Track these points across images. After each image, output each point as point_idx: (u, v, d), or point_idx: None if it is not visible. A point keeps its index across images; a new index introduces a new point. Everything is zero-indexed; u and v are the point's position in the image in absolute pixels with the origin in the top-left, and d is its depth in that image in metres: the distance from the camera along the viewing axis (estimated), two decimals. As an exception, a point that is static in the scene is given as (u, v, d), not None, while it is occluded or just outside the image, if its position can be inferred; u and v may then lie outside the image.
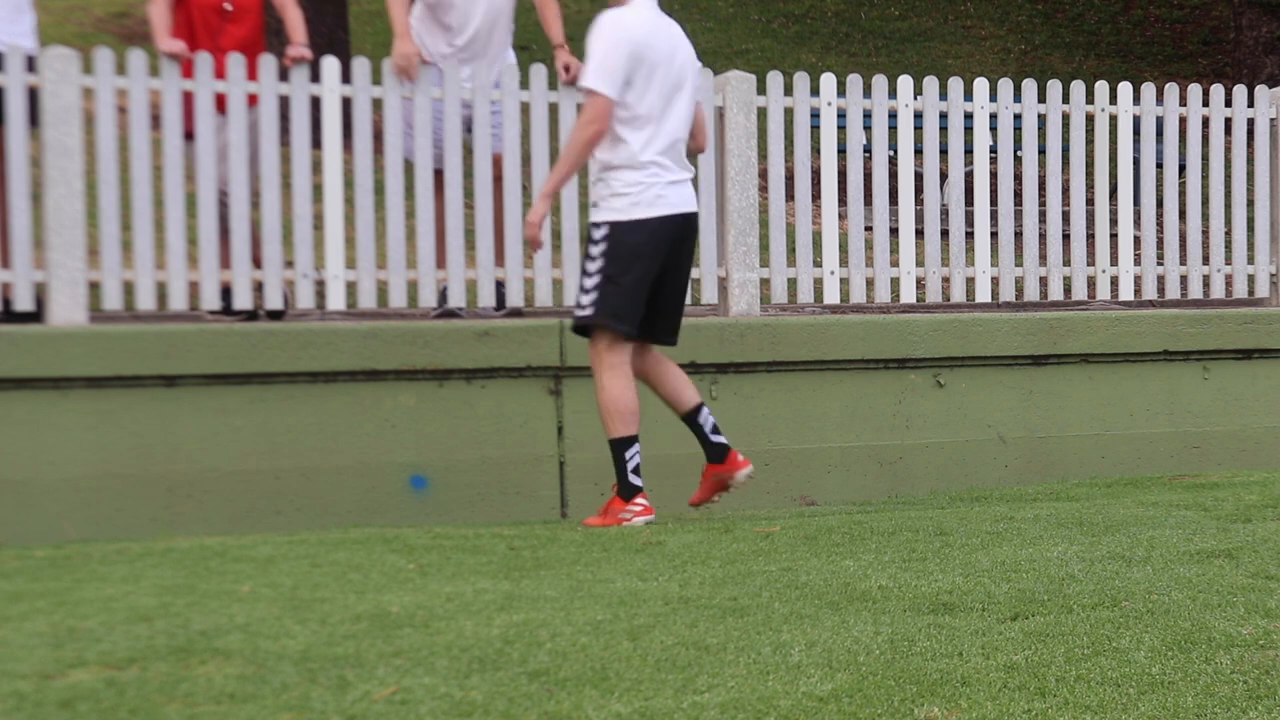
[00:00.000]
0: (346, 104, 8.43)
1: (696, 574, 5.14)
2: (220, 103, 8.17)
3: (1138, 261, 9.82)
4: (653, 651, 4.10)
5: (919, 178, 9.48)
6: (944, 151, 9.87)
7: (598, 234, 6.66)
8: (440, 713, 3.60)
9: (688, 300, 8.51)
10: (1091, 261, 9.82)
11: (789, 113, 9.05)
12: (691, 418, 6.81)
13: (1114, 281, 9.74)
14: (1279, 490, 6.97)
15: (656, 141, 6.70)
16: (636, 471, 6.68)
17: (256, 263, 8.16)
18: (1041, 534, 5.87)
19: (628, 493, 6.66)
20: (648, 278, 6.66)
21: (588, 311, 6.64)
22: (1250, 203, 10.02)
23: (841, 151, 9.78)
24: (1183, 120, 9.90)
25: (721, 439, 6.83)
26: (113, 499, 7.24)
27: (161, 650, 4.05)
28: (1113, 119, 9.78)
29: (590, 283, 6.66)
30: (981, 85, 9.46)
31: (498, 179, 8.53)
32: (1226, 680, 3.89)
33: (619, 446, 6.67)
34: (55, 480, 7.18)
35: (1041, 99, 9.75)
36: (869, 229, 9.34)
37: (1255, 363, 9.20)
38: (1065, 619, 4.45)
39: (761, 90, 8.84)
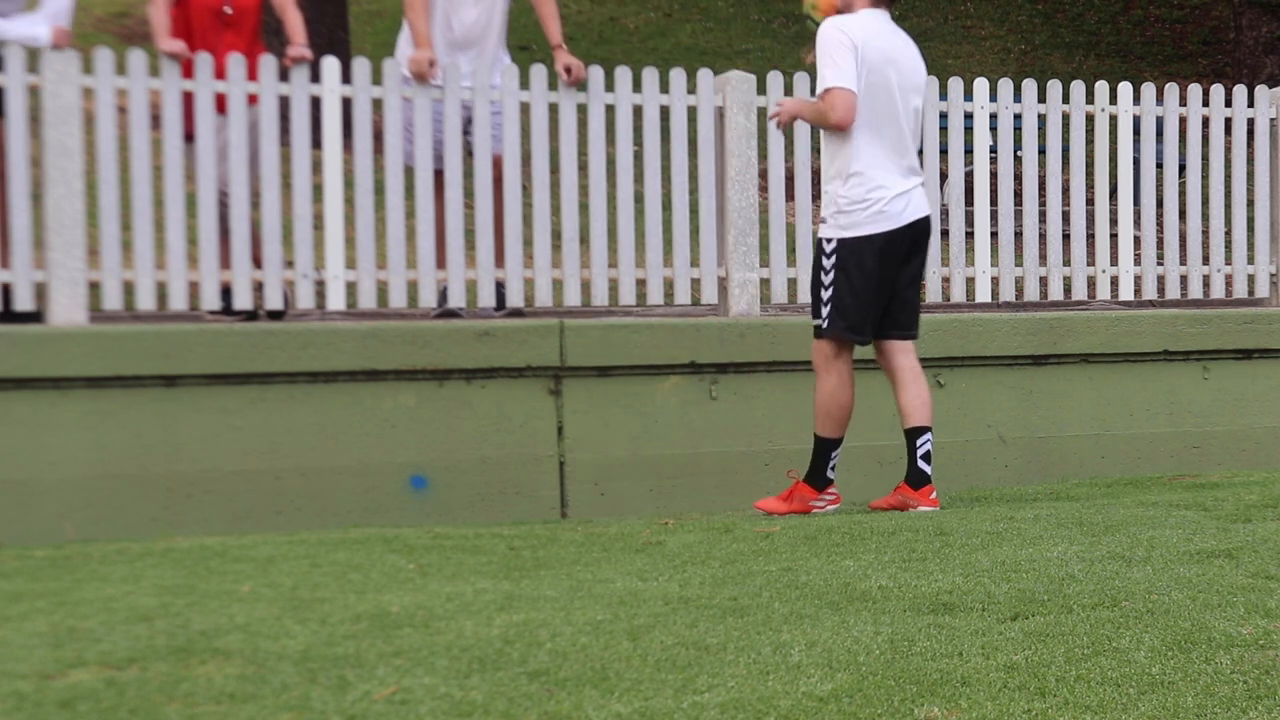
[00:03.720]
0: (346, 104, 8.43)
1: (696, 574, 5.14)
2: (220, 103, 8.17)
3: (1138, 261, 9.82)
4: (653, 651, 4.10)
5: (919, 178, 9.47)
6: (944, 151, 9.88)
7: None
8: (440, 713, 3.60)
9: (688, 300, 8.53)
10: (1091, 261, 9.82)
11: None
12: (908, 436, 6.92)
13: (1114, 281, 9.74)
14: (1279, 490, 6.97)
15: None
16: (834, 469, 6.91)
17: (257, 262, 8.16)
18: (1041, 534, 5.87)
19: (820, 483, 6.88)
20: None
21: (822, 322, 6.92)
22: (1250, 203, 10.02)
23: (841, 151, 9.75)
24: (1183, 120, 9.89)
25: (927, 469, 6.86)
26: (113, 499, 7.24)
27: (161, 650, 4.05)
28: (1113, 119, 9.78)
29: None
30: (981, 85, 9.46)
31: (498, 180, 8.53)
32: (1226, 680, 3.89)
33: (823, 446, 6.90)
34: (55, 480, 7.18)
35: (1041, 99, 9.75)
36: (869, 229, 9.33)
37: (1255, 363, 9.20)
38: (1065, 619, 4.45)
39: (762, 90, 8.84)
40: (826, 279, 6.87)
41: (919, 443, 6.83)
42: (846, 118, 6.74)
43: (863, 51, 6.77)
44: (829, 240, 6.84)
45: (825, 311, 6.88)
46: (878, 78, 6.81)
